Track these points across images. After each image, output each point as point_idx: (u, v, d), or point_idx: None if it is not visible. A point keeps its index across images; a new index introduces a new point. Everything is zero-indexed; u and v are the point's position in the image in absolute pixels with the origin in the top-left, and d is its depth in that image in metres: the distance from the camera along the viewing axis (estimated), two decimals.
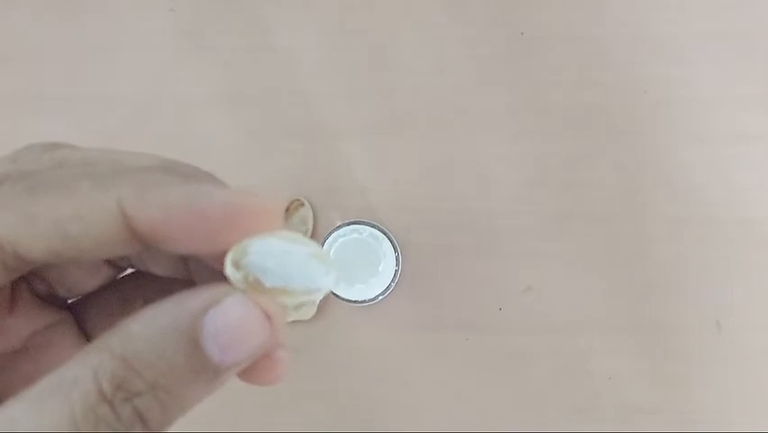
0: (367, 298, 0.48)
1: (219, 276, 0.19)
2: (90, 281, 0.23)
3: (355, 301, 0.48)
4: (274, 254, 0.19)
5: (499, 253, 0.50)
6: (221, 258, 0.19)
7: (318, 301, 0.49)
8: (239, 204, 0.18)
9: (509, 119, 0.51)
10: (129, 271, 0.24)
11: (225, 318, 0.18)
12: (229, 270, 0.18)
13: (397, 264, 0.48)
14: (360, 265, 0.48)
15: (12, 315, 0.22)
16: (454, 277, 0.50)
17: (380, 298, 0.48)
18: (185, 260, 0.23)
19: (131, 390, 0.17)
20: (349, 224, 0.48)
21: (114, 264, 0.24)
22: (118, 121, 0.51)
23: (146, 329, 0.17)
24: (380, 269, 0.48)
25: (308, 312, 0.50)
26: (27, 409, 0.16)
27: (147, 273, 0.24)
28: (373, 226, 0.48)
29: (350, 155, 0.51)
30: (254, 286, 0.18)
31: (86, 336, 0.23)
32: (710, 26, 0.51)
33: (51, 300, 0.23)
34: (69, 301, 0.24)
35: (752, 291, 0.49)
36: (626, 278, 0.49)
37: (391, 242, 0.48)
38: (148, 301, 0.20)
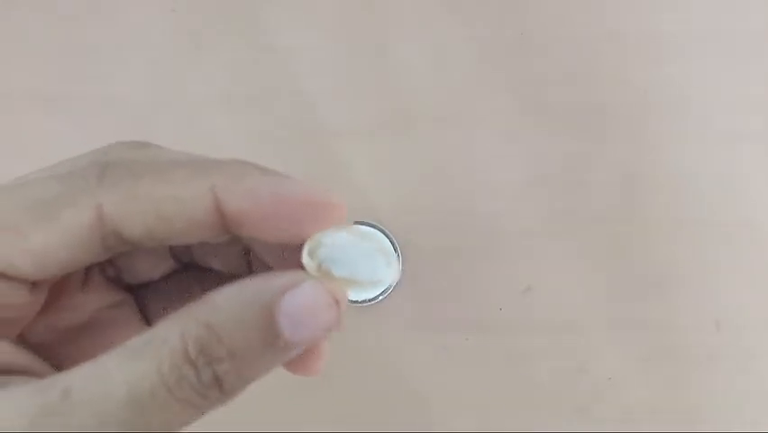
0: (367, 298, 0.48)
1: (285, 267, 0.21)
2: (155, 270, 0.26)
3: (355, 301, 0.48)
4: (344, 248, 0.21)
5: (499, 253, 0.50)
6: (282, 253, 0.22)
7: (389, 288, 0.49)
8: (318, 196, 0.21)
9: (509, 119, 0.51)
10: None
11: (301, 299, 0.20)
12: (305, 258, 0.21)
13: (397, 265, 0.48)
14: None
15: (83, 291, 0.24)
16: (454, 277, 0.50)
17: (380, 298, 0.48)
18: (246, 257, 0.25)
19: (212, 354, 0.19)
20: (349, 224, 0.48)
21: (178, 258, 0.26)
22: (118, 120, 0.51)
23: (229, 302, 0.19)
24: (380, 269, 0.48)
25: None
26: (120, 361, 0.18)
27: (206, 268, 0.26)
28: (373, 227, 0.48)
29: (350, 155, 0.51)
30: (325, 274, 0.21)
31: (146, 319, 0.26)
32: (711, 26, 0.51)
33: (117, 283, 0.26)
34: (133, 285, 0.26)
35: (751, 291, 0.49)
36: (626, 278, 0.49)
37: (391, 242, 0.48)
38: (205, 292, 0.23)
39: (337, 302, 0.21)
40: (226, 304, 0.19)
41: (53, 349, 0.23)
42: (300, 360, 0.22)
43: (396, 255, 0.22)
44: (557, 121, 0.51)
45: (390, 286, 0.48)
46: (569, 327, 0.49)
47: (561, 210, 0.50)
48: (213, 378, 0.19)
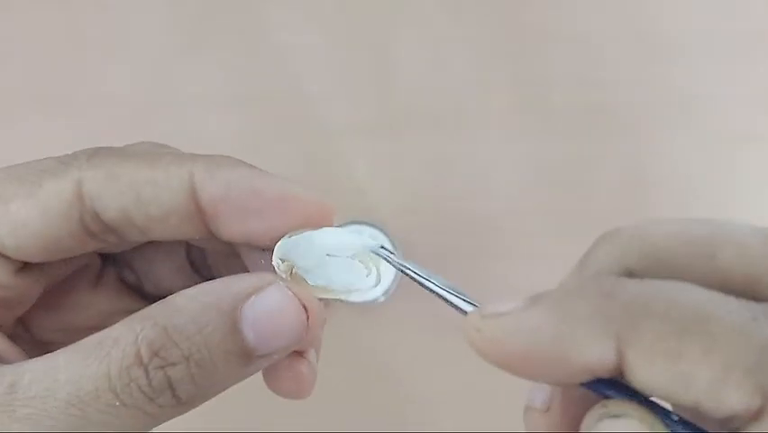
0: (367, 299, 0.48)
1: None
2: (175, 280, 0.25)
3: (355, 302, 0.48)
4: (317, 256, 0.20)
5: (500, 253, 0.50)
6: (262, 261, 0.20)
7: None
8: (295, 192, 0.20)
9: (509, 119, 0.51)
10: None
11: (264, 305, 0.19)
12: (275, 260, 0.20)
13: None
14: None
15: (94, 292, 0.24)
16: (454, 277, 0.49)
17: (380, 299, 0.48)
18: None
19: (166, 358, 0.18)
20: (349, 224, 0.48)
21: (199, 271, 0.25)
22: (117, 120, 0.51)
23: (189, 304, 0.19)
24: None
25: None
26: (70, 359, 0.18)
27: None
28: (373, 227, 0.48)
29: (350, 155, 0.51)
30: (297, 279, 0.20)
31: None
32: (711, 25, 0.51)
33: (138, 291, 0.25)
34: (155, 295, 0.25)
35: None
36: None
37: (391, 242, 0.48)
38: None
39: (306, 309, 0.20)
40: (186, 306, 0.19)
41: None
42: (282, 379, 0.21)
43: (374, 259, 0.20)
44: (557, 121, 0.51)
45: (377, 294, 0.48)
46: None
47: (561, 210, 0.50)
48: (165, 383, 0.18)
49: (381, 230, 0.48)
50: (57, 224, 0.20)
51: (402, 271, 0.21)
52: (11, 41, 0.53)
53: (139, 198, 0.20)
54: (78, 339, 0.23)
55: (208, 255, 0.25)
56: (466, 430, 0.49)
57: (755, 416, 0.15)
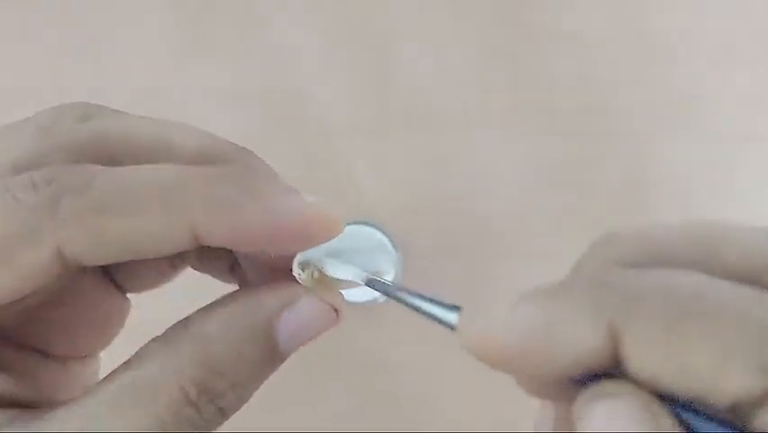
0: (366, 298, 0.48)
1: (272, 276, 0.20)
2: (156, 282, 0.24)
3: (355, 302, 0.48)
4: (336, 249, 0.20)
5: (500, 253, 0.50)
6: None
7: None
8: (308, 220, 0.19)
9: (510, 119, 0.51)
10: None
11: (298, 319, 0.19)
12: (296, 270, 0.20)
13: (397, 265, 0.48)
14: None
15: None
16: (454, 277, 0.50)
17: (380, 299, 0.48)
18: (238, 266, 0.24)
19: (214, 392, 0.18)
20: (349, 224, 0.48)
21: (176, 265, 0.24)
22: None
23: (224, 331, 0.18)
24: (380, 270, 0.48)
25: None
26: (109, 413, 0.17)
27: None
28: (373, 227, 0.48)
29: (350, 155, 0.51)
30: (319, 280, 0.20)
31: (112, 278, 0.24)
32: (711, 25, 0.51)
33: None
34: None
35: None
36: None
37: (391, 242, 0.48)
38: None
39: (336, 310, 0.20)
40: (221, 334, 0.18)
41: (20, 329, 0.21)
42: None
43: (394, 254, 0.21)
44: (557, 121, 0.51)
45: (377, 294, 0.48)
46: None
47: (561, 210, 0.50)
48: (215, 411, 0.19)
49: (381, 230, 0.48)
50: (35, 282, 0.18)
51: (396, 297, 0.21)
52: (11, 41, 0.53)
53: (130, 250, 0.18)
54: (31, 318, 0.21)
55: None
56: (466, 430, 0.49)
57: (760, 401, 0.14)
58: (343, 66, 0.52)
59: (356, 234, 0.20)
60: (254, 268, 0.23)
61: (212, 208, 0.18)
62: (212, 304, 0.20)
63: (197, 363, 0.18)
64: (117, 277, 0.24)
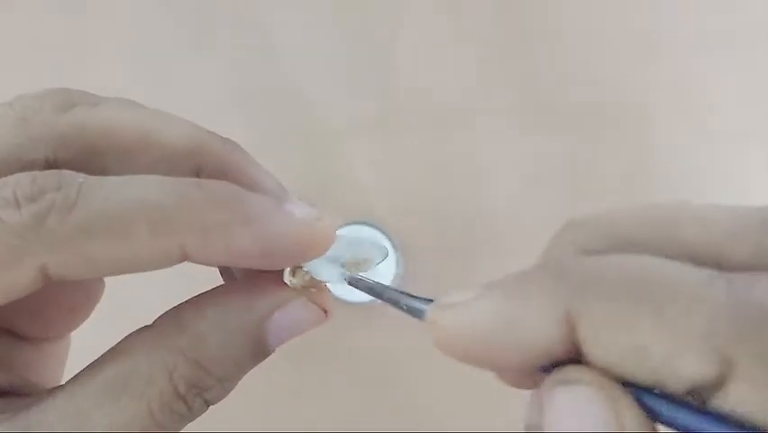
0: (366, 298, 0.48)
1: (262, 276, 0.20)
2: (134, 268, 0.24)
3: (354, 302, 0.48)
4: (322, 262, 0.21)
5: (500, 253, 0.50)
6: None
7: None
8: (300, 241, 0.19)
9: (510, 119, 0.51)
10: None
11: (288, 320, 0.20)
12: (287, 278, 0.20)
13: (397, 265, 0.48)
14: None
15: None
16: (455, 277, 0.50)
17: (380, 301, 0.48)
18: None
19: (203, 386, 0.19)
20: (348, 224, 0.48)
21: None
22: None
23: (215, 331, 0.19)
24: (380, 270, 0.48)
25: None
26: (99, 402, 0.18)
27: None
28: (373, 227, 0.48)
29: (350, 155, 0.51)
30: (310, 282, 0.20)
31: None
32: (712, 25, 0.51)
33: None
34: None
35: None
36: None
37: (391, 242, 0.48)
38: None
39: (325, 311, 0.21)
40: (212, 333, 0.19)
41: None
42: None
43: (394, 255, 0.21)
44: (557, 121, 0.51)
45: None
46: None
47: (561, 210, 0.50)
48: (203, 404, 0.19)
49: (381, 230, 0.48)
50: (16, 295, 0.18)
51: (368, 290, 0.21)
52: (11, 40, 0.53)
53: (117, 269, 0.18)
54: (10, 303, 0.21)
55: None
56: (466, 430, 0.49)
57: (716, 385, 0.14)
58: (343, 66, 0.52)
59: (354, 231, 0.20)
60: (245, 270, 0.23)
61: (201, 234, 0.18)
62: (204, 296, 0.20)
63: (188, 360, 0.18)
64: None
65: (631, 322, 0.14)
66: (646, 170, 0.50)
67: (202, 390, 0.19)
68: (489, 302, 0.16)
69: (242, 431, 0.48)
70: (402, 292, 0.20)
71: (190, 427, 0.19)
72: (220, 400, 0.20)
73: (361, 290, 0.21)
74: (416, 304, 0.19)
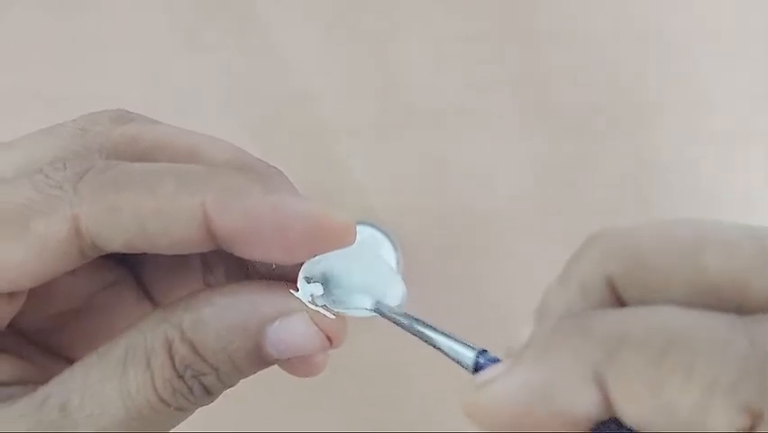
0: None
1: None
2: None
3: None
4: (341, 277, 0.21)
5: (500, 254, 0.50)
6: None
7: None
8: (319, 221, 0.19)
9: (510, 119, 0.51)
10: None
11: (288, 331, 0.20)
12: (300, 283, 0.20)
13: (397, 265, 0.48)
14: None
15: (73, 275, 0.22)
16: (455, 277, 0.50)
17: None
18: None
19: (198, 370, 0.19)
20: None
21: (208, 281, 0.25)
22: None
23: (216, 321, 0.19)
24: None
25: None
26: (110, 374, 0.19)
27: None
28: (373, 227, 0.48)
29: (350, 155, 0.51)
30: (320, 308, 0.20)
31: (145, 290, 0.24)
32: (712, 25, 0.51)
33: (112, 258, 0.24)
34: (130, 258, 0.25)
35: None
36: None
37: (391, 242, 0.48)
38: (205, 263, 0.23)
39: (329, 339, 0.21)
40: (213, 322, 0.19)
41: (50, 335, 0.22)
42: (296, 366, 0.22)
43: (394, 255, 0.21)
44: (557, 121, 0.51)
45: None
46: None
47: (561, 210, 0.50)
48: (202, 389, 0.19)
49: (381, 230, 0.48)
50: (53, 260, 0.19)
51: (404, 326, 0.22)
52: (11, 41, 0.53)
53: (144, 230, 0.19)
54: (65, 324, 0.23)
55: None
56: (466, 430, 0.49)
57: None
58: (343, 66, 0.52)
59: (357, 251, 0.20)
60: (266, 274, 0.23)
61: (223, 192, 0.19)
62: (219, 287, 0.20)
63: (185, 339, 0.19)
64: (151, 289, 0.24)
65: (658, 380, 0.14)
66: (646, 170, 0.50)
67: (198, 373, 0.19)
68: (521, 375, 0.16)
69: (242, 431, 0.48)
70: (437, 330, 0.20)
71: (191, 426, 0.19)
72: (220, 392, 0.20)
73: (389, 320, 0.22)
74: (463, 351, 0.19)
